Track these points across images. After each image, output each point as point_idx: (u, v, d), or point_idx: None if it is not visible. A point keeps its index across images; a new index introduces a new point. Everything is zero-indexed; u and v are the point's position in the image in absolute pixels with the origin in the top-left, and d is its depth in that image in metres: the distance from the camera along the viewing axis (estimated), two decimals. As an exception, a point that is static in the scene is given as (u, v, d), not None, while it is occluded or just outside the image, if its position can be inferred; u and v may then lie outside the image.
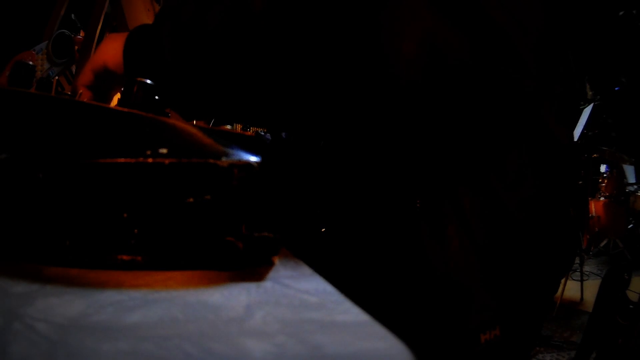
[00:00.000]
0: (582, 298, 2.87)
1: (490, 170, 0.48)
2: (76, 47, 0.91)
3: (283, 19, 0.42)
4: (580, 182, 2.98)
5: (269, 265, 0.30)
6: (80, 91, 0.52)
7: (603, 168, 4.05)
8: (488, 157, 0.48)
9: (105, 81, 0.54)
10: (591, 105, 2.98)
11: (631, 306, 1.63)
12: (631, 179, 3.97)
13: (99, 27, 0.95)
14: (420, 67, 0.40)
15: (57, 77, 0.88)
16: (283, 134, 0.59)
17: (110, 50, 0.50)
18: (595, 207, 3.77)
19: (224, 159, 0.26)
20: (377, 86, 0.41)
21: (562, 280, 2.57)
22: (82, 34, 1.02)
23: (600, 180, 3.96)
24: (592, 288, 2.67)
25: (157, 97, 0.40)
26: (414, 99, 0.41)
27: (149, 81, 0.39)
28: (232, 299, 0.23)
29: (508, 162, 0.48)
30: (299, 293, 0.25)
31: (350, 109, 0.44)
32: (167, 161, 0.25)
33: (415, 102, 0.42)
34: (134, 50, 0.49)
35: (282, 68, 0.43)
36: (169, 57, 0.45)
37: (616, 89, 3.89)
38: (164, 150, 0.26)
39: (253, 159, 0.27)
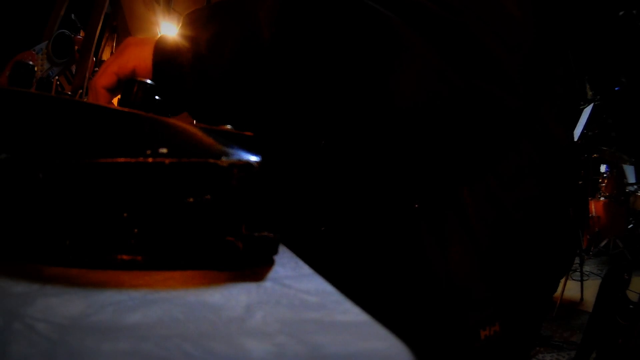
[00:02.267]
0: (582, 298, 2.87)
1: (489, 171, 0.49)
2: (76, 47, 0.91)
3: (289, 47, 0.46)
4: (580, 182, 2.98)
5: (269, 265, 0.30)
6: (101, 93, 0.53)
7: (603, 168, 4.05)
8: (486, 159, 0.49)
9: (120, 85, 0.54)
10: (591, 105, 2.98)
11: (631, 306, 1.63)
12: (631, 179, 3.97)
13: (99, 27, 0.95)
14: (420, 99, 0.44)
15: (57, 77, 0.88)
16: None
17: (141, 59, 0.51)
18: (595, 207, 3.77)
19: (224, 159, 0.26)
20: (380, 112, 0.45)
21: (562, 280, 2.57)
22: (82, 34, 1.02)
23: (600, 180, 3.95)
24: (592, 288, 2.67)
25: (173, 103, 0.41)
26: (414, 121, 0.46)
27: (149, 81, 0.39)
28: (232, 299, 0.23)
29: (506, 163, 0.49)
30: (299, 293, 0.25)
31: (353, 123, 0.48)
32: (167, 161, 0.25)
33: (415, 123, 0.46)
34: (162, 64, 0.50)
35: (289, 89, 0.47)
36: (190, 85, 0.49)
37: (616, 89, 3.89)
38: (164, 150, 0.26)
39: (253, 159, 0.27)
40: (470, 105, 0.45)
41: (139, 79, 0.39)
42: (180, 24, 0.51)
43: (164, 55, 0.50)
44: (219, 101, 0.50)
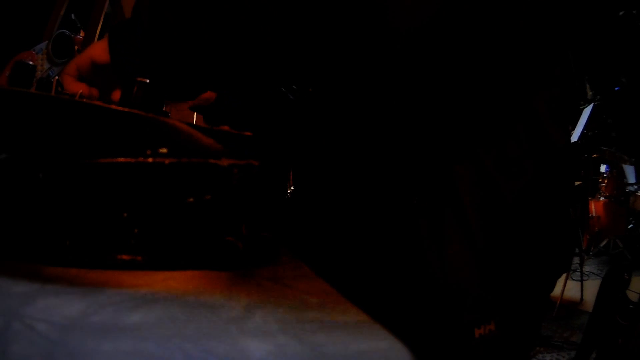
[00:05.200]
0: (582, 298, 2.87)
1: (490, 161, 0.48)
2: (76, 47, 0.91)
3: None
4: (580, 182, 2.98)
5: (269, 265, 0.30)
6: (66, 80, 0.54)
7: (603, 168, 4.05)
8: (482, 132, 0.48)
9: (95, 74, 0.54)
10: (591, 105, 2.98)
11: (631, 306, 1.63)
12: (631, 179, 3.97)
13: (99, 27, 0.95)
14: (418, 17, 0.41)
15: (57, 77, 0.88)
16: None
17: (98, 46, 0.52)
18: (595, 207, 3.77)
19: (224, 159, 0.26)
20: (376, 37, 0.42)
21: (562, 280, 2.57)
22: (82, 34, 1.02)
23: (600, 180, 3.95)
24: (592, 288, 2.67)
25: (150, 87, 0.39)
26: (411, 51, 0.43)
27: (149, 81, 0.39)
28: (232, 299, 0.23)
29: (503, 153, 0.49)
30: (299, 293, 0.25)
31: (346, 63, 0.44)
32: (167, 161, 0.25)
33: (412, 57, 0.43)
34: (119, 43, 0.49)
35: (282, 17, 0.42)
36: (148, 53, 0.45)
37: (616, 89, 3.89)
38: (164, 150, 0.26)
39: (253, 159, 0.27)
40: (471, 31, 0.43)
41: (138, 79, 0.39)
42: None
43: (119, 34, 0.50)
44: (185, 64, 0.45)
